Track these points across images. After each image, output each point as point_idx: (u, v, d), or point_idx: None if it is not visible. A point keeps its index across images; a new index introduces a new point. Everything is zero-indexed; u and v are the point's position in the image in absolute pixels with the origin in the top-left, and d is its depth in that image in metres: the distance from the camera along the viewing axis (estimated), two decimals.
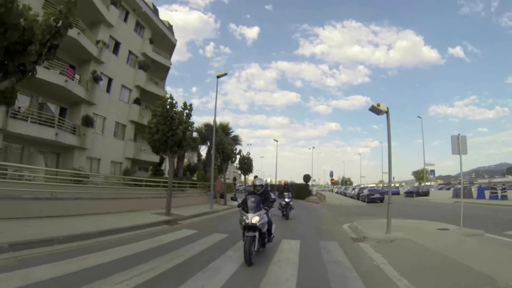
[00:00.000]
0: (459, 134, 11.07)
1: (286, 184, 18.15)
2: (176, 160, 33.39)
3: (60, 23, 6.87)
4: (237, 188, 53.34)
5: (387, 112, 10.24)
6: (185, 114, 14.69)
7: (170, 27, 33.62)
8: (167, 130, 13.73)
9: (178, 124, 13.93)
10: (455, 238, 9.23)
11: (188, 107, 14.92)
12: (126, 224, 10.25)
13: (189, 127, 14.94)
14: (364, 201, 32.33)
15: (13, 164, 14.48)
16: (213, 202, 20.50)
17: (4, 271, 4.95)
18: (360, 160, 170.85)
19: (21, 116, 16.98)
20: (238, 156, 29.21)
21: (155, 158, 28.26)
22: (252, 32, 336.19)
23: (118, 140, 25.60)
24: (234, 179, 72.74)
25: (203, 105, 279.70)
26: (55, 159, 20.56)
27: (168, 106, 14.30)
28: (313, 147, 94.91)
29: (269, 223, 7.46)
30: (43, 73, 16.87)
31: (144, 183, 20.01)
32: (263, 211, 7.03)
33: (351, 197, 41.16)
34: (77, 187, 14.53)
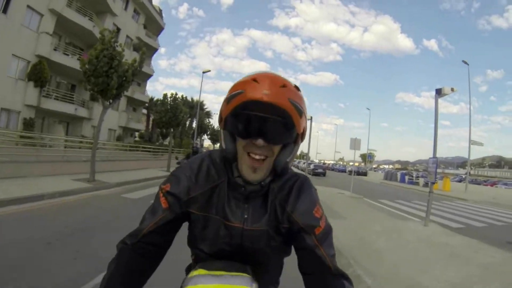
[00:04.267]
0: (355, 138, 18.03)
1: None
2: (151, 123, 39.33)
3: (137, 65, 12.59)
4: None
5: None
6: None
7: (160, 12, 38.11)
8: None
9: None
10: (341, 197, 15.87)
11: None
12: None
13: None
14: (310, 174, 39.28)
15: (51, 136, 19.89)
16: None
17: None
18: (318, 137, 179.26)
19: (46, 94, 22.02)
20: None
21: (141, 127, 34.08)
22: None
23: (114, 111, 30.52)
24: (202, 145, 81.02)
25: (170, 67, 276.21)
26: (65, 128, 25.75)
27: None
28: None
29: None
30: (60, 58, 22.68)
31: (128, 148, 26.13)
32: None
33: (302, 170, 47.99)
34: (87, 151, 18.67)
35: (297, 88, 1.02)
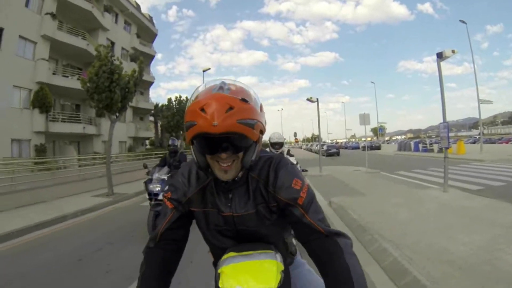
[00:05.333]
0: (364, 113, 17.99)
1: None
2: (160, 129, 39.35)
3: (137, 75, 12.72)
4: None
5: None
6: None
7: (151, 19, 38.11)
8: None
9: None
10: (357, 174, 16.08)
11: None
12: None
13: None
14: (324, 155, 39.17)
15: (64, 157, 20.19)
16: None
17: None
18: (326, 117, 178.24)
19: (52, 118, 22.31)
20: None
21: (150, 134, 34.34)
22: None
23: (121, 123, 30.61)
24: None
25: (169, 70, 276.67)
26: (77, 147, 26.01)
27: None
28: (282, 109, 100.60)
29: None
30: (61, 81, 23.09)
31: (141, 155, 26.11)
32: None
33: (316, 152, 47.90)
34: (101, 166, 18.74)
35: (244, 100, 1.12)
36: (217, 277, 1.14)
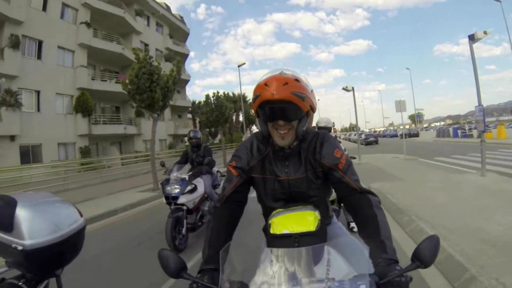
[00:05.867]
0: (400, 100, 17.51)
1: None
2: (198, 125, 40.00)
3: (175, 74, 13.01)
4: None
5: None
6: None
7: (181, 19, 38.68)
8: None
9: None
10: (396, 161, 15.83)
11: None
12: None
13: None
14: (362, 144, 38.44)
15: (107, 157, 20.97)
16: None
17: None
18: (363, 105, 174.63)
19: (94, 121, 23.24)
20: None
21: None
22: None
23: (160, 121, 31.30)
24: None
25: (203, 67, 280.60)
26: (119, 147, 26.91)
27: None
28: (318, 99, 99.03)
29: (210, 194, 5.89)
30: (100, 85, 24.17)
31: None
32: (197, 179, 5.67)
33: (354, 142, 47.11)
34: (144, 164, 20.32)
35: (297, 80, 1.42)
36: (268, 227, 1.38)
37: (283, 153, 1.56)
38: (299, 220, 1.34)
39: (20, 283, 1.50)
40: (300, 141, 1.57)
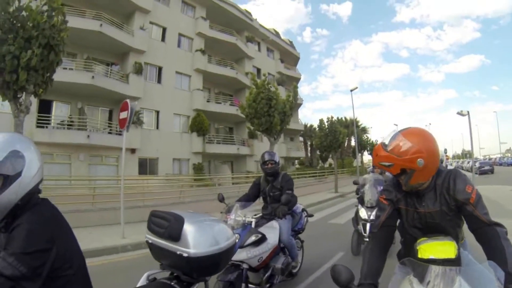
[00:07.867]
0: None
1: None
2: (309, 148, 39.51)
3: (291, 99, 13.01)
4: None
5: None
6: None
7: (291, 43, 39.47)
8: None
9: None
10: None
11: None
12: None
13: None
14: (476, 173, 32.91)
15: (219, 175, 21.75)
16: None
17: None
18: (477, 130, 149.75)
19: (208, 141, 24.51)
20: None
21: (301, 154, 34.87)
22: (345, 8, 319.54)
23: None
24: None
25: (312, 91, 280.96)
26: (230, 166, 27.86)
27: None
28: (430, 123, 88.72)
29: (289, 245, 4.22)
30: (214, 107, 25.41)
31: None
32: (270, 223, 4.10)
33: (467, 170, 40.82)
34: None
35: (386, 150, 1.79)
36: (415, 252, 1.68)
37: (418, 192, 1.90)
38: (443, 248, 1.64)
39: (172, 283, 1.91)
40: (435, 178, 1.87)
